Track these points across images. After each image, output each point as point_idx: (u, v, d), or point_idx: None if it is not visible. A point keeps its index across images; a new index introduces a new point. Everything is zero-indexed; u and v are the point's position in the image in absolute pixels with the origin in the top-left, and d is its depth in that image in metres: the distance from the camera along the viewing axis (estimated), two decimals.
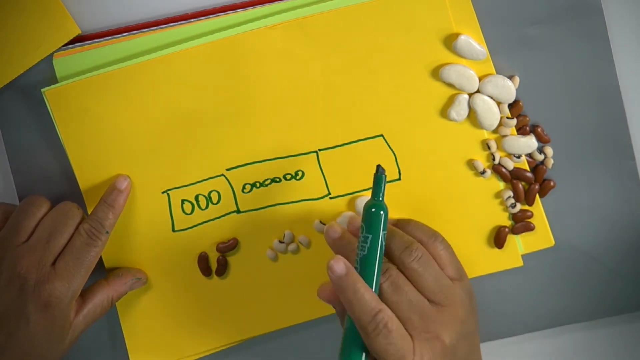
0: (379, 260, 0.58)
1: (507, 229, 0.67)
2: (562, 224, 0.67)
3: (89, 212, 0.65)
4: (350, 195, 0.66)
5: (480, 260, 0.67)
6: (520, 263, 0.68)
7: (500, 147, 0.66)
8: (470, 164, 0.66)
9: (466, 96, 0.64)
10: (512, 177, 0.66)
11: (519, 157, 0.66)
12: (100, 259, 0.65)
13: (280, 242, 0.67)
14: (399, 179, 0.66)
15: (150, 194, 0.65)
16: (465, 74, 0.64)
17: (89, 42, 0.64)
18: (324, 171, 0.66)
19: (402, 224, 0.63)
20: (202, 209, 0.66)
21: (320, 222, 0.66)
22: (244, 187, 0.66)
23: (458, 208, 0.66)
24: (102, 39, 0.64)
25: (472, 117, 0.65)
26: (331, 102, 0.64)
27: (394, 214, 0.66)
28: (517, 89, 0.65)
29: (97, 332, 0.68)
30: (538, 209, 0.67)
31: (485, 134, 0.65)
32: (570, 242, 0.68)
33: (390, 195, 0.65)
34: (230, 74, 0.64)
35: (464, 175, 0.66)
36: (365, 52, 0.64)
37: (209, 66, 0.63)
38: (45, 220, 0.62)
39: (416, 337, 0.57)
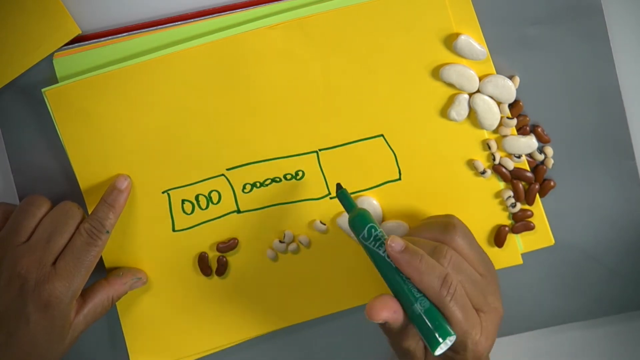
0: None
1: (507, 228, 0.67)
2: (562, 224, 0.68)
3: (89, 212, 0.65)
4: (350, 195, 0.66)
5: None
6: (519, 261, 0.68)
7: (500, 147, 0.66)
8: (471, 164, 0.66)
9: (466, 96, 0.64)
10: (512, 177, 0.66)
11: (519, 157, 0.66)
12: (100, 259, 0.65)
13: (280, 242, 0.67)
14: (399, 179, 0.66)
15: (150, 193, 0.65)
16: (466, 74, 0.64)
17: (89, 42, 0.64)
18: (324, 171, 0.66)
19: (416, 231, 0.63)
20: (202, 209, 0.66)
21: (320, 222, 0.66)
22: (244, 187, 0.66)
23: (458, 208, 0.66)
24: (102, 39, 0.64)
25: (472, 117, 0.65)
26: (331, 102, 0.64)
27: (394, 214, 0.66)
28: (517, 89, 0.65)
29: (97, 332, 0.68)
30: (538, 208, 0.67)
31: (486, 134, 0.65)
32: (570, 242, 0.68)
33: (391, 195, 0.65)
34: (230, 74, 0.64)
35: (464, 175, 0.66)
36: (365, 52, 0.64)
37: (209, 66, 0.63)
38: (45, 220, 0.62)
39: (480, 310, 0.58)
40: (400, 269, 0.57)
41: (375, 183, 0.66)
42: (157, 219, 0.66)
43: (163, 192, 0.66)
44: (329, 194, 0.66)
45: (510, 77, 0.65)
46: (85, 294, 0.63)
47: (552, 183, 0.67)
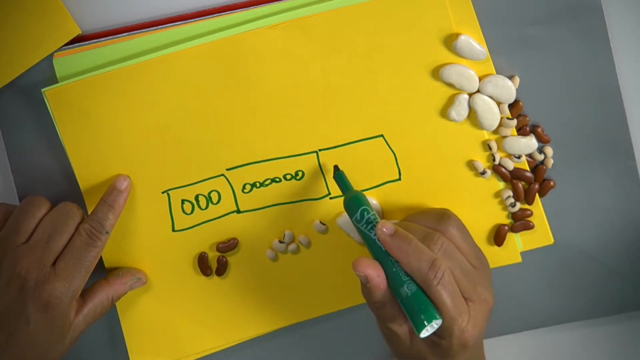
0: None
1: (506, 228, 0.67)
2: (562, 224, 0.68)
3: (89, 212, 0.65)
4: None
5: None
6: (518, 260, 0.68)
7: (500, 148, 0.66)
8: (471, 165, 0.66)
9: (466, 96, 0.64)
10: (512, 177, 0.66)
11: (519, 157, 0.66)
12: (100, 259, 0.65)
13: (280, 242, 0.67)
14: (399, 179, 0.66)
15: (150, 194, 0.65)
16: (465, 74, 0.64)
17: (89, 42, 0.64)
18: (324, 171, 0.66)
19: (411, 218, 0.63)
20: (202, 209, 0.66)
21: (320, 222, 0.66)
22: (244, 187, 0.66)
23: (458, 208, 0.66)
24: (102, 39, 0.64)
25: (472, 117, 0.65)
26: (331, 102, 0.64)
27: (394, 214, 0.66)
28: (517, 89, 0.65)
29: (97, 332, 0.68)
30: (538, 208, 0.67)
31: (486, 134, 0.65)
32: (570, 242, 0.68)
33: (390, 195, 0.65)
34: (230, 74, 0.64)
35: (464, 175, 0.66)
36: (365, 52, 0.64)
37: (209, 66, 0.63)
38: (45, 221, 0.62)
39: (469, 299, 0.59)
40: (389, 253, 0.58)
41: (375, 183, 0.66)
42: (157, 219, 0.66)
43: (163, 192, 0.66)
44: (329, 194, 0.66)
45: (510, 77, 0.65)
46: (85, 294, 0.63)
47: (551, 183, 0.67)
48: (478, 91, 0.64)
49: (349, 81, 0.64)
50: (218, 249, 0.67)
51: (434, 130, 0.65)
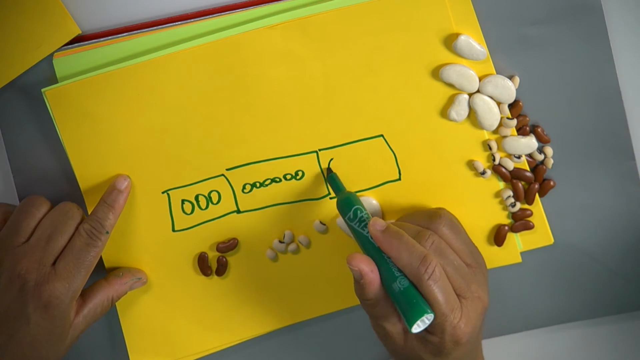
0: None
1: (506, 228, 0.67)
2: (562, 224, 0.68)
3: (89, 212, 0.65)
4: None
5: None
6: (518, 259, 0.68)
7: (500, 148, 0.66)
8: (471, 165, 0.66)
9: (466, 96, 0.64)
10: (512, 177, 0.66)
11: (519, 157, 0.66)
12: (100, 259, 0.65)
13: (280, 242, 0.67)
14: (399, 179, 0.66)
15: (150, 194, 0.65)
16: (465, 74, 0.64)
17: (89, 42, 0.64)
18: (324, 171, 0.66)
19: (404, 218, 0.64)
20: (202, 209, 0.66)
21: (320, 222, 0.66)
22: (244, 187, 0.66)
23: (457, 208, 0.66)
24: (102, 39, 0.64)
25: (472, 117, 0.65)
26: (331, 102, 0.64)
27: (394, 214, 0.66)
28: (517, 89, 0.65)
29: (97, 332, 0.68)
30: (538, 207, 0.67)
31: (486, 134, 0.65)
32: (570, 242, 0.68)
33: (390, 195, 0.65)
34: (230, 74, 0.64)
35: (464, 175, 0.66)
36: (365, 52, 0.64)
37: (209, 66, 0.63)
38: (45, 221, 0.62)
39: (462, 296, 0.59)
40: (381, 248, 0.58)
41: (375, 183, 0.66)
42: (157, 219, 0.66)
43: (163, 192, 0.66)
44: (329, 194, 0.66)
45: (510, 77, 0.65)
46: (85, 294, 0.63)
47: (551, 183, 0.67)
48: (478, 91, 0.64)
49: (349, 81, 0.64)
50: (218, 249, 0.67)
51: (434, 130, 0.65)
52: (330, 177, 0.65)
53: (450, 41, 0.63)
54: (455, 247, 0.61)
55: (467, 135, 0.65)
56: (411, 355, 0.60)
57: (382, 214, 0.66)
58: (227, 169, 0.65)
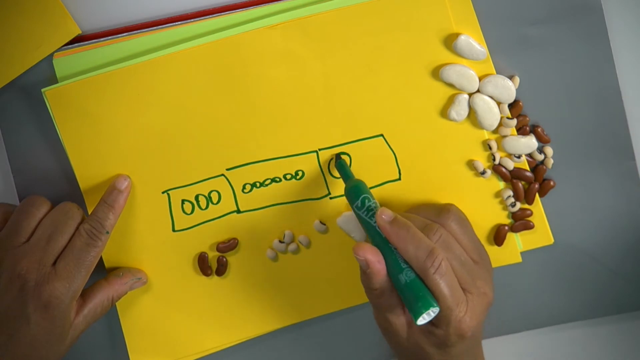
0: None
1: (506, 227, 0.67)
2: (562, 224, 0.68)
3: (89, 212, 0.65)
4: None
5: None
6: (518, 259, 0.68)
7: (500, 148, 0.66)
8: (471, 164, 0.66)
9: (466, 96, 0.64)
10: (512, 177, 0.66)
11: (519, 157, 0.66)
12: (101, 259, 0.65)
13: (280, 242, 0.67)
14: (399, 179, 0.66)
15: (150, 194, 0.65)
16: (465, 74, 0.64)
17: (89, 42, 0.64)
18: (323, 171, 0.66)
19: (412, 210, 0.64)
20: (202, 209, 0.66)
21: (320, 222, 0.66)
22: (244, 187, 0.66)
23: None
24: (102, 39, 0.64)
25: (472, 117, 0.65)
26: (331, 102, 0.64)
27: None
28: (517, 89, 0.65)
29: (97, 332, 0.68)
30: (538, 207, 0.67)
31: (486, 134, 0.65)
32: (570, 242, 0.68)
33: (390, 195, 0.65)
34: (230, 74, 0.64)
35: (464, 175, 0.66)
36: (365, 52, 0.64)
37: (209, 66, 0.63)
38: (45, 221, 0.62)
39: (468, 290, 0.59)
40: (388, 239, 0.58)
41: (375, 183, 0.66)
42: (157, 219, 0.66)
43: (163, 192, 0.66)
44: (329, 194, 0.66)
45: (510, 77, 0.65)
46: (85, 294, 0.63)
47: (551, 183, 0.67)
48: (478, 91, 0.64)
49: (349, 81, 0.64)
50: (218, 249, 0.67)
51: (434, 130, 0.65)
52: (339, 163, 0.64)
53: (450, 41, 0.63)
54: (463, 243, 0.61)
55: (467, 135, 0.65)
56: (414, 348, 0.60)
57: None
58: (227, 169, 0.65)
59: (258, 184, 0.66)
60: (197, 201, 0.66)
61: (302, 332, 0.69)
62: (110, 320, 0.68)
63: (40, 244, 0.61)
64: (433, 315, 0.57)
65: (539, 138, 0.66)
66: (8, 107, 0.65)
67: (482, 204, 0.67)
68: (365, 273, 0.58)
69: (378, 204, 0.60)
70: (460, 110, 0.64)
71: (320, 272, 0.68)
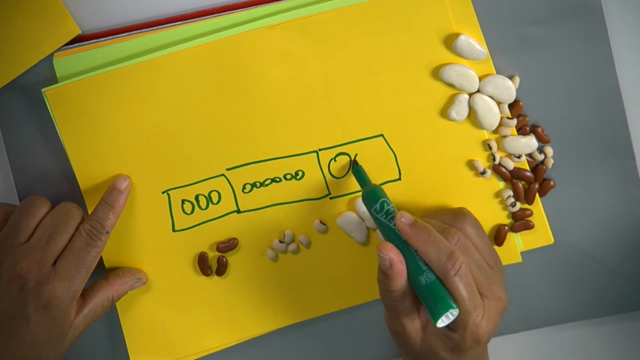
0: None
1: (506, 227, 0.67)
2: (562, 224, 0.68)
3: (89, 212, 0.65)
4: (350, 195, 0.66)
5: None
6: (519, 259, 0.68)
7: (500, 147, 0.66)
8: (471, 164, 0.66)
9: (466, 96, 0.64)
10: (512, 177, 0.66)
11: (519, 157, 0.66)
12: (101, 259, 0.65)
13: (280, 242, 0.67)
14: (399, 179, 0.66)
15: (150, 194, 0.65)
16: (465, 74, 0.64)
17: (89, 42, 0.64)
18: (323, 171, 0.66)
19: (427, 216, 0.64)
20: (202, 209, 0.66)
21: (320, 222, 0.66)
22: (244, 187, 0.66)
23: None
24: (102, 39, 0.64)
25: (472, 117, 0.65)
26: (331, 102, 0.64)
27: None
28: (517, 89, 0.65)
29: (97, 332, 0.68)
30: (538, 207, 0.67)
31: (486, 134, 0.65)
32: (570, 242, 0.68)
33: (391, 195, 0.65)
34: (230, 74, 0.64)
35: (464, 175, 0.66)
36: (365, 52, 0.64)
37: (209, 66, 0.63)
38: (45, 221, 0.62)
39: (484, 295, 0.59)
40: (408, 242, 0.58)
41: (375, 183, 0.66)
42: (157, 219, 0.66)
43: (163, 192, 0.66)
44: (329, 194, 0.66)
45: (510, 77, 0.65)
46: (85, 294, 0.63)
47: (552, 183, 0.67)
48: (478, 91, 0.64)
49: (349, 81, 0.64)
50: (218, 249, 0.67)
51: (434, 130, 0.65)
52: (355, 169, 0.65)
53: (450, 41, 0.63)
54: (479, 247, 0.61)
55: (467, 135, 0.65)
56: (427, 352, 0.60)
57: None
58: (227, 169, 0.65)
59: (258, 184, 0.66)
60: (197, 201, 0.66)
61: (302, 332, 0.69)
62: (110, 320, 0.68)
63: (40, 244, 0.61)
64: (452, 318, 0.57)
65: (539, 138, 0.66)
66: (8, 107, 0.65)
67: (482, 204, 0.67)
68: (386, 274, 0.58)
69: (396, 209, 0.61)
70: (460, 110, 0.64)
71: (320, 272, 0.68)
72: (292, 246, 0.67)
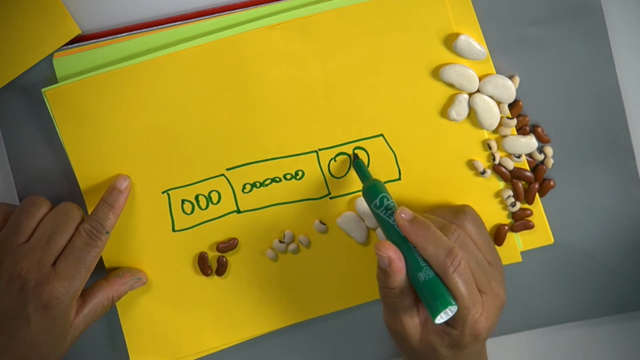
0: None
1: (506, 227, 0.67)
2: (562, 224, 0.68)
3: (89, 212, 0.65)
4: (350, 195, 0.66)
5: None
6: (518, 259, 0.68)
7: (500, 147, 0.66)
8: (471, 164, 0.66)
9: (466, 96, 0.64)
10: (512, 177, 0.66)
11: (519, 157, 0.66)
12: (101, 259, 0.65)
13: (280, 242, 0.67)
14: (399, 179, 0.66)
15: (150, 194, 0.65)
16: (465, 74, 0.64)
17: (89, 42, 0.64)
18: (323, 171, 0.66)
19: (428, 212, 0.64)
20: (202, 209, 0.66)
21: (320, 222, 0.66)
22: (244, 187, 0.66)
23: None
24: (102, 39, 0.64)
25: (472, 117, 0.65)
26: (331, 102, 0.64)
27: None
28: (517, 89, 0.65)
29: (97, 332, 0.68)
30: (538, 207, 0.67)
31: (486, 134, 0.65)
32: (570, 242, 0.68)
33: (390, 195, 0.65)
34: (230, 74, 0.64)
35: (464, 175, 0.66)
36: (365, 52, 0.64)
37: (209, 66, 0.63)
38: (45, 221, 0.62)
39: (483, 291, 0.59)
40: (407, 238, 0.58)
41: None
42: (157, 219, 0.66)
43: (163, 192, 0.66)
44: (329, 193, 0.66)
45: (510, 77, 0.65)
46: (85, 294, 0.63)
47: (551, 183, 0.67)
48: (478, 91, 0.64)
49: (349, 81, 0.64)
50: (218, 249, 0.67)
51: (434, 130, 0.65)
52: (356, 163, 0.65)
53: (450, 41, 0.63)
54: (478, 244, 0.61)
55: (467, 135, 0.65)
56: (426, 349, 0.60)
57: None
58: (227, 169, 0.65)
59: (258, 184, 0.66)
60: (197, 201, 0.66)
61: (302, 332, 0.69)
62: (110, 320, 0.68)
63: (40, 244, 0.61)
64: (451, 314, 0.57)
65: (539, 138, 0.66)
66: (8, 107, 0.65)
67: (482, 204, 0.67)
68: (385, 271, 0.58)
69: (396, 204, 0.60)
70: (460, 110, 0.64)
71: (320, 272, 0.68)
72: (292, 246, 0.67)
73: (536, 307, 0.69)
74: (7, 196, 0.66)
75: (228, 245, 0.67)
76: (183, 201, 0.66)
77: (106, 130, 0.64)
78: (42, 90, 0.63)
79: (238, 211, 0.66)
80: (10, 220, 0.62)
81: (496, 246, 0.67)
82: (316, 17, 0.63)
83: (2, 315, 0.60)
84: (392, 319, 0.60)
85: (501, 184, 0.67)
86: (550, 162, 0.66)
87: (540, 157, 0.66)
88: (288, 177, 0.66)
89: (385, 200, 0.60)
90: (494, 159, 0.66)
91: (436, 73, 0.64)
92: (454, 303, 0.57)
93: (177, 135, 0.64)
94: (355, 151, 0.65)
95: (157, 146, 0.65)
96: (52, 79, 0.64)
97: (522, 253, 0.68)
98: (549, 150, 0.66)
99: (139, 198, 0.65)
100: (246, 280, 0.68)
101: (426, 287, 0.57)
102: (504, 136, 0.65)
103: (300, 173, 0.66)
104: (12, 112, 0.65)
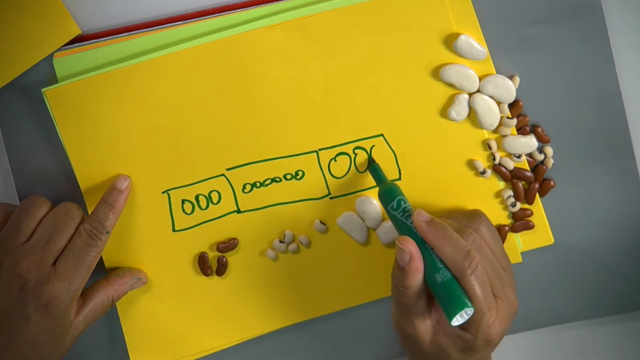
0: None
1: (506, 228, 0.67)
2: (562, 224, 0.68)
3: (89, 212, 0.65)
4: (350, 195, 0.66)
5: None
6: (519, 259, 0.68)
7: (500, 147, 0.66)
8: (471, 164, 0.66)
9: (466, 96, 0.64)
10: (512, 177, 0.66)
11: (519, 157, 0.66)
12: (101, 259, 0.65)
13: (280, 242, 0.67)
14: (399, 179, 0.66)
15: (150, 194, 0.65)
16: (465, 74, 0.64)
17: (89, 42, 0.64)
18: (323, 171, 0.66)
19: (442, 215, 0.64)
20: (202, 209, 0.66)
21: (320, 222, 0.66)
22: (244, 187, 0.66)
23: (458, 207, 0.66)
24: (102, 39, 0.64)
25: (472, 117, 0.65)
26: (331, 102, 0.64)
27: None
28: (517, 89, 0.65)
29: (97, 332, 0.68)
30: (538, 207, 0.67)
31: (486, 134, 0.65)
32: (570, 242, 0.68)
33: None
34: (230, 74, 0.64)
35: (464, 175, 0.66)
36: (365, 52, 0.64)
37: (209, 66, 0.63)
38: (45, 221, 0.62)
39: (497, 296, 0.59)
40: (425, 239, 0.59)
41: (375, 183, 0.66)
42: (157, 219, 0.66)
43: (163, 192, 0.66)
44: (329, 193, 0.66)
45: (510, 77, 0.65)
46: (85, 294, 0.63)
47: (552, 183, 0.67)
48: (478, 91, 0.64)
49: (349, 81, 0.64)
50: (218, 249, 0.67)
51: (434, 130, 0.65)
52: (372, 167, 0.65)
53: (450, 41, 0.63)
54: (492, 249, 0.61)
55: (467, 134, 0.65)
56: (437, 352, 0.60)
57: (382, 215, 0.66)
58: (227, 169, 0.65)
59: (258, 184, 0.66)
60: (197, 201, 0.66)
61: (303, 332, 0.69)
62: (110, 320, 0.68)
63: (40, 244, 0.61)
64: (467, 317, 0.57)
65: (539, 138, 0.66)
66: (8, 107, 0.65)
67: (482, 204, 0.67)
68: (403, 269, 0.58)
69: (412, 207, 0.61)
70: (460, 110, 0.64)
71: (321, 272, 0.68)
72: (292, 246, 0.67)
73: (536, 307, 0.69)
74: (7, 196, 0.66)
75: (228, 245, 0.67)
76: (183, 201, 0.66)
77: (106, 130, 0.64)
78: (42, 90, 0.63)
79: (238, 211, 0.66)
80: (10, 220, 0.62)
81: None
82: (316, 17, 0.63)
83: (2, 315, 0.60)
84: (404, 319, 0.60)
85: (501, 184, 0.67)
86: (550, 162, 0.66)
87: (540, 157, 0.66)
88: (288, 177, 0.66)
89: (402, 202, 0.61)
90: (494, 159, 0.66)
91: (436, 73, 0.64)
92: (470, 305, 0.57)
93: (177, 135, 0.64)
94: (372, 154, 0.65)
95: (157, 146, 0.65)
96: (52, 79, 0.64)
97: (522, 253, 0.68)
98: (549, 150, 0.66)
99: (139, 198, 0.65)
100: (246, 280, 0.68)
101: (443, 289, 0.57)
102: (504, 136, 0.65)
103: (300, 173, 0.66)
104: (12, 112, 0.65)
